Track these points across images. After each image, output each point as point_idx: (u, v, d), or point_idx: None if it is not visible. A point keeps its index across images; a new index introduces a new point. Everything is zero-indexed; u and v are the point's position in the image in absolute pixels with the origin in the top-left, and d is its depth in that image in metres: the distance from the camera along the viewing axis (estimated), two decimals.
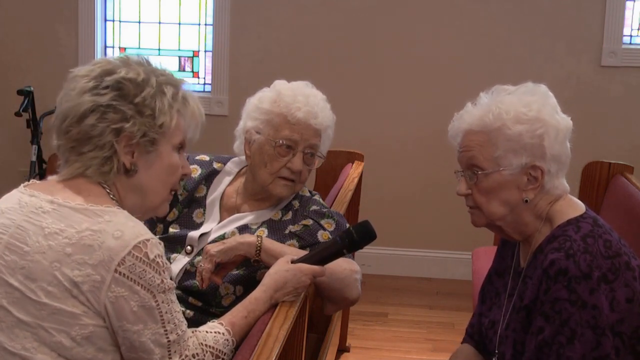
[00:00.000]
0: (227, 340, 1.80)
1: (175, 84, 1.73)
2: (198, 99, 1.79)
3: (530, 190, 1.85)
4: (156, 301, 1.60)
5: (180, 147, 1.75)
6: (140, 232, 1.59)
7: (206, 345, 1.74)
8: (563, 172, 1.89)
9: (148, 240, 1.59)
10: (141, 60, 1.73)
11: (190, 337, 1.71)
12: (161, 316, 1.61)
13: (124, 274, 1.55)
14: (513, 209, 1.87)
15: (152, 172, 1.70)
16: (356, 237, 2.01)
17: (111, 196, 1.66)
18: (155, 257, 1.59)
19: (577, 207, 1.88)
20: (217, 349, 1.76)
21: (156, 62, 1.76)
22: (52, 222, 1.59)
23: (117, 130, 1.64)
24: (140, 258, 1.57)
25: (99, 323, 1.58)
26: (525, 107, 1.85)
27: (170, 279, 2.23)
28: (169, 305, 1.62)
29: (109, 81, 1.66)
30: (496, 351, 1.94)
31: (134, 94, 1.66)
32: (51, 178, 1.71)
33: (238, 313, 1.88)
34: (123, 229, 1.57)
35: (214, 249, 2.13)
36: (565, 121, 1.89)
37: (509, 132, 1.84)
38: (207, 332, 1.78)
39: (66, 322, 1.56)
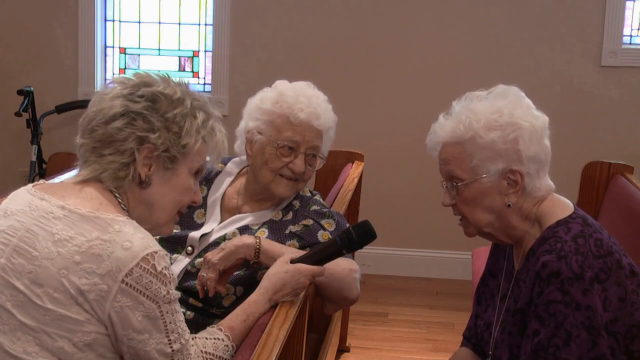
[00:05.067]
0: (227, 346, 1.80)
1: (208, 112, 1.75)
2: (225, 133, 1.80)
3: (512, 194, 1.85)
4: (161, 311, 1.60)
5: (196, 174, 1.76)
6: (148, 244, 1.59)
7: (207, 352, 1.75)
8: (545, 171, 1.88)
9: (156, 252, 1.59)
10: (181, 81, 1.75)
11: (192, 345, 1.71)
12: (165, 326, 1.61)
13: (131, 285, 1.56)
14: (498, 214, 1.87)
15: (164, 189, 1.70)
16: (355, 237, 2.01)
17: (122, 205, 1.66)
18: (163, 269, 1.59)
19: (565, 206, 1.88)
20: (217, 355, 1.77)
21: (194, 88, 1.77)
22: (62, 229, 1.58)
23: (142, 138, 1.65)
24: (148, 270, 1.57)
25: (101, 330, 1.58)
26: (496, 113, 1.85)
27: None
28: (173, 315, 1.63)
29: (145, 91, 1.68)
30: (490, 353, 1.94)
31: (166, 109, 1.67)
32: (67, 179, 1.71)
33: (237, 317, 1.88)
34: (132, 239, 1.57)
35: (215, 257, 2.12)
36: (539, 120, 1.87)
37: (481, 141, 1.84)
38: (206, 338, 1.79)
39: (69, 329, 1.56)
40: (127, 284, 1.55)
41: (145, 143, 1.65)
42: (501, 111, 1.85)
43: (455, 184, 1.88)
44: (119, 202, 1.66)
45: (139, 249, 1.57)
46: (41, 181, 1.74)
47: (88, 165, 1.67)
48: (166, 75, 1.75)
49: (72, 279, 1.55)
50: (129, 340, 1.59)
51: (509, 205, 1.86)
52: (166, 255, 1.63)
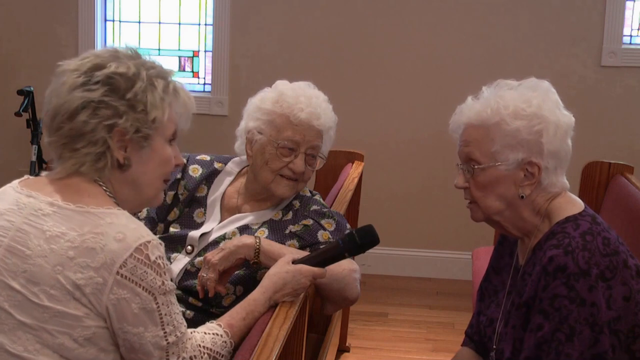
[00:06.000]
0: (225, 342, 1.80)
1: (165, 77, 1.71)
2: (187, 89, 1.78)
3: (526, 186, 1.85)
4: (157, 303, 1.60)
5: (172, 138, 1.74)
6: (141, 234, 1.59)
7: (204, 347, 1.75)
8: (563, 169, 1.89)
9: (149, 242, 1.59)
10: (130, 53, 1.71)
11: (190, 338, 1.71)
12: (161, 318, 1.61)
13: (126, 276, 1.56)
14: (510, 204, 1.87)
15: (145, 166, 1.69)
16: (359, 241, 2.01)
17: (108, 193, 1.65)
18: (157, 258, 1.59)
19: (576, 204, 1.88)
20: (214, 350, 1.77)
21: (144, 54, 1.74)
22: (53, 225, 1.58)
23: (110, 126, 1.63)
24: (142, 260, 1.57)
25: (100, 324, 1.58)
26: (525, 102, 1.85)
27: (171, 279, 2.23)
28: (168, 307, 1.62)
29: (99, 76, 1.64)
30: (494, 347, 1.94)
31: (125, 88, 1.64)
32: (46, 175, 1.70)
33: (237, 314, 1.88)
34: (125, 231, 1.57)
35: (215, 257, 2.12)
36: (566, 118, 1.88)
37: (506, 128, 1.84)
38: (205, 333, 1.79)
39: (68, 324, 1.56)
40: (122, 275, 1.55)
41: (114, 129, 1.63)
42: (530, 102, 1.85)
43: (472, 166, 1.88)
44: (105, 190, 1.65)
45: (132, 239, 1.57)
46: (25, 176, 1.73)
47: (64, 161, 1.66)
48: (113, 49, 1.71)
49: (67, 274, 1.55)
50: (124, 334, 1.59)
51: (522, 197, 1.86)
52: (160, 244, 1.63)
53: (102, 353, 1.60)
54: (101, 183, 1.66)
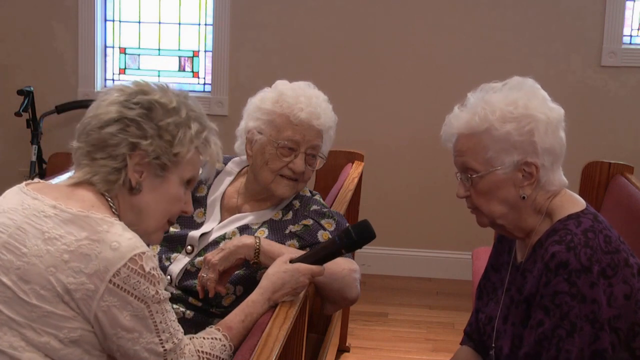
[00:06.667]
0: (224, 345, 1.81)
1: (203, 124, 1.76)
2: (220, 145, 1.81)
3: (526, 186, 1.86)
4: (150, 311, 1.61)
5: (188, 184, 1.77)
6: (136, 245, 1.60)
7: (203, 352, 1.76)
8: (559, 165, 1.89)
9: (144, 253, 1.60)
10: (180, 92, 1.77)
11: (187, 344, 1.72)
12: (155, 326, 1.63)
13: (118, 285, 1.57)
14: (512, 206, 1.87)
15: (154, 197, 1.71)
16: (355, 236, 2.01)
17: (113, 209, 1.67)
18: (151, 269, 1.61)
19: (577, 202, 1.89)
20: (214, 354, 1.78)
21: (193, 100, 1.78)
22: (52, 227, 1.60)
23: (134, 144, 1.66)
24: (136, 270, 1.58)
25: (87, 327, 1.59)
26: (511, 104, 1.85)
27: (171, 280, 2.24)
28: (163, 315, 1.64)
29: (141, 99, 1.70)
30: (493, 345, 1.94)
31: (161, 118, 1.69)
32: (59, 181, 1.73)
33: (235, 317, 1.89)
34: (120, 240, 1.59)
35: (215, 257, 2.12)
36: (555, 112, 1.87)
37: (496, 133, 1.84)
38: (204, 338, 1.80)
39: (55, 325, 1.57)
40: (114, 284, 1.57)
41: (136, 149, 1.67)
42: (516, 103, 1.85)
43: (470, 175, 1.88)
44: (110, 205, 1.67)
45: (127, 249, 1.58)
46: (36, 180, 1.76)
47: (81, 169, 1.69)
48: (165, 85, 1.77)
49: (59, 277, 1.56)
50: (118, 339, 1.60)
51: (524, 198, 1.86)
52: (154, 256, 1.64)
53: (87, 355, 1.61)
54: (108, 198, 1.68)
